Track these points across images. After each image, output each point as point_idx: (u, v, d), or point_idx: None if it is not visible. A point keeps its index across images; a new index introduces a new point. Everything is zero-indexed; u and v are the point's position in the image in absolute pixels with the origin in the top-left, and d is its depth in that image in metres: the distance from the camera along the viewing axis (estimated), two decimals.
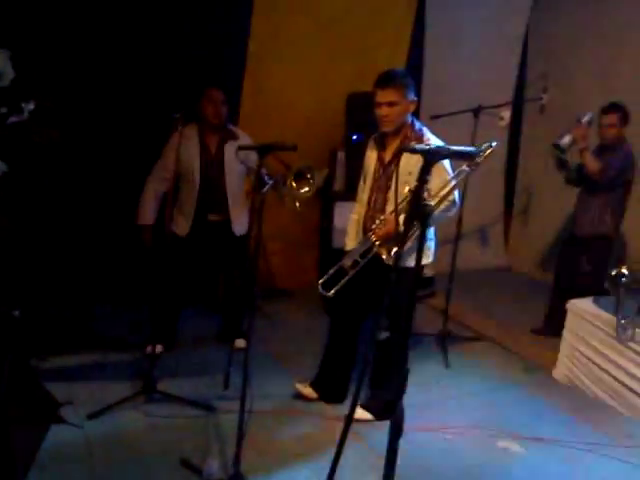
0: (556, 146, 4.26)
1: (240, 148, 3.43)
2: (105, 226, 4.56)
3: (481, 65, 6.00)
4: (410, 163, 2.90)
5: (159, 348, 3.85)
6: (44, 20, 4.09)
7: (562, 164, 4.46)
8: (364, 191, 3.37)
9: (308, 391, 3.57)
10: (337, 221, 5.08)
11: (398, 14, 5.58)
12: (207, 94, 3.91)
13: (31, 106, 3.22)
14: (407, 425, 1.92)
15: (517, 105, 5.94)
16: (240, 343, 3.84)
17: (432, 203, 2.77)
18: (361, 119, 5.15)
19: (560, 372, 4.04)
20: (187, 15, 4.52)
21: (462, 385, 3.91)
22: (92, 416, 3.18)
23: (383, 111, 3.14)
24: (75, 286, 4.49)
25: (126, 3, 4.32)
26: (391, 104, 3.12)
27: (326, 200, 5.34)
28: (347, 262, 3.24)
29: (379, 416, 3.31)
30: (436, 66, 5.92)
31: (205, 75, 4.32)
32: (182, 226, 3.97)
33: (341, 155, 5.29)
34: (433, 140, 3.16)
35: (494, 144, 2.83)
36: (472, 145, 3.94)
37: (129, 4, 4.33)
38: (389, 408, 1.95)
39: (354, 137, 5.23)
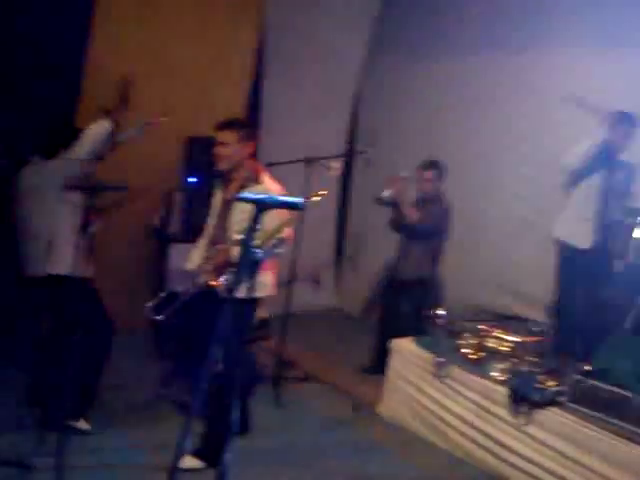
0: (378, 200, 4.64)
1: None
2: None
3: (315, 116, 6.28)
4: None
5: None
6: None
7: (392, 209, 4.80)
8: (209, 224, 3.58)
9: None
10: (173, 264, 5.00)
11: (237, 63, 5.74)
12: None
13: None
14: (234, 472, 1.92)
15: (348, 156, 6.31)
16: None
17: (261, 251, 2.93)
18: (199, 162, 5.22)
19: (385, 409, 4.24)
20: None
21: (294, 427, 3.97)
22: None
23: (219, 150, 3.42)
24: None
25: None
26: (226, 145, 3.39)
27: (161, 242, 5.25)
28: (180, 288, 3.28)
29: (212, 463, 3.24)
30: (273, 114, 6.11)
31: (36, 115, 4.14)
32: None
33: (178, 197, 5.26)
34: (268, 183, 3.43)
35: (322, 193, 3.39)
36: (304, 193, 4.14)
37: None
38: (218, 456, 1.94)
39: (191, 180, 5.23)
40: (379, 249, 6.04)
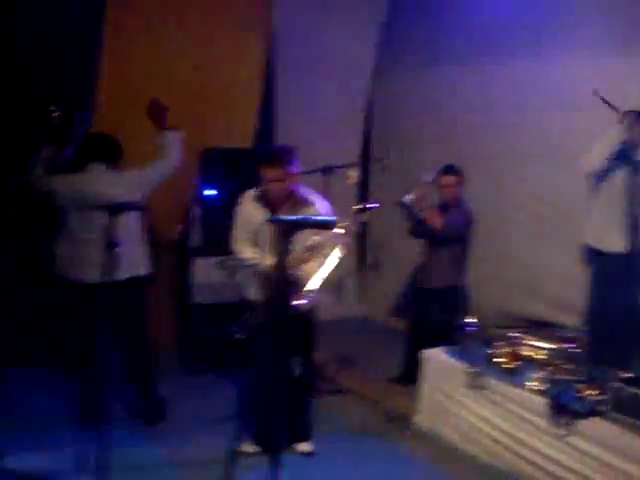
0: (401, 204, 4.56)
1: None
2: None
3: (330, 125, 6.24)
4: None
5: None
6: None
7: (409, 216, 4.73)
8: (256, 245, 3.55)
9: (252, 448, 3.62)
10: (197, 277, 5.00)
11: (248, 73, 5.77)
12: None
13: None
14: None
15: (364, 163, 6.27)
16: None
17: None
18: (215, 174, 5.20)
19: (420, 420, 4.17)
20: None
21: (323, 439, 3.88)
22: None
23: (273, 187, 3.44)
24: None
25: None
26: (279, 180, 3.42)
27: (182, 256, 5.22)
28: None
29: None
30: (287, 124, 6.07)
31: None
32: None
33: (197, 211, 5.22)
34: (318, 203, 3.52)
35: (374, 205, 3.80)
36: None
37: None
38: None
39: (208, 192, 5.20)
40: (401, 255, 5.99)
